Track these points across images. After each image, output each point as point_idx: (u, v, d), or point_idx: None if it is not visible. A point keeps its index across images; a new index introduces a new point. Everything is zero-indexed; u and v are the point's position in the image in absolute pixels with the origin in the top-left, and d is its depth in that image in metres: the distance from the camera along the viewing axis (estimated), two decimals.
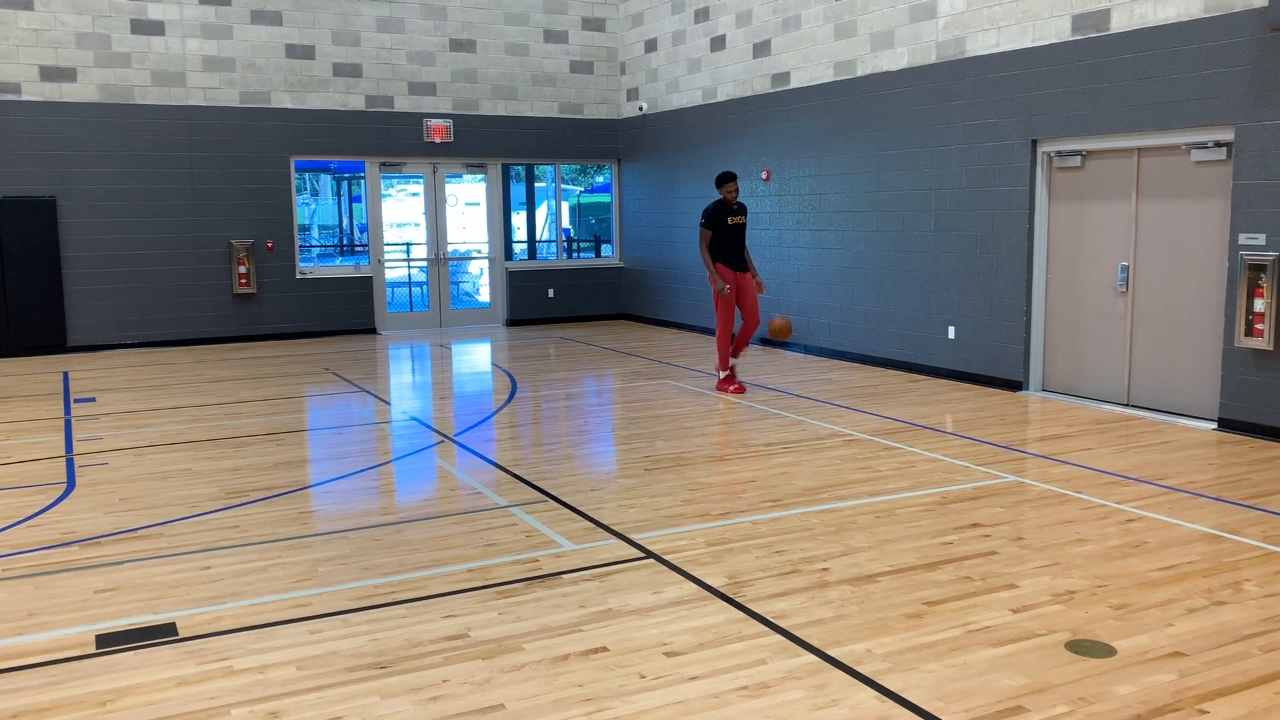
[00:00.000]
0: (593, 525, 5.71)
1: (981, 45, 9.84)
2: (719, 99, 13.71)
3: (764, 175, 12.89)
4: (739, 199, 10.18)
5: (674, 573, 4.93)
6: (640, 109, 15.52)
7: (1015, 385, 9.73)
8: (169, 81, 13.42)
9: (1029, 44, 9.36)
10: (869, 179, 11.31)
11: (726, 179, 9.60)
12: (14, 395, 10.19)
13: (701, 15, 13.97)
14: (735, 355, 9.98)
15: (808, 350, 12.38)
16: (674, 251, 15.05)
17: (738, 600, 4.56)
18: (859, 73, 11.32)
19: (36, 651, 4.14)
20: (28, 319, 12.81)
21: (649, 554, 5.21)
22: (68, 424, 8.74)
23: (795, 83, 12.30)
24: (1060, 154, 9.32)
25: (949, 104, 10.22)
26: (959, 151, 10.16)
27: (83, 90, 12.99)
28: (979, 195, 9.98)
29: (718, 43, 13.66)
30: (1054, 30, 9.13)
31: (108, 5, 13.03)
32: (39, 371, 11.67)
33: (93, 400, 9.84)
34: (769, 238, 12.93)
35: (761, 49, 12.83)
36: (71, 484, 6.76)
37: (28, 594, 4.78)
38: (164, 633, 4.29)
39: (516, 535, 5.57)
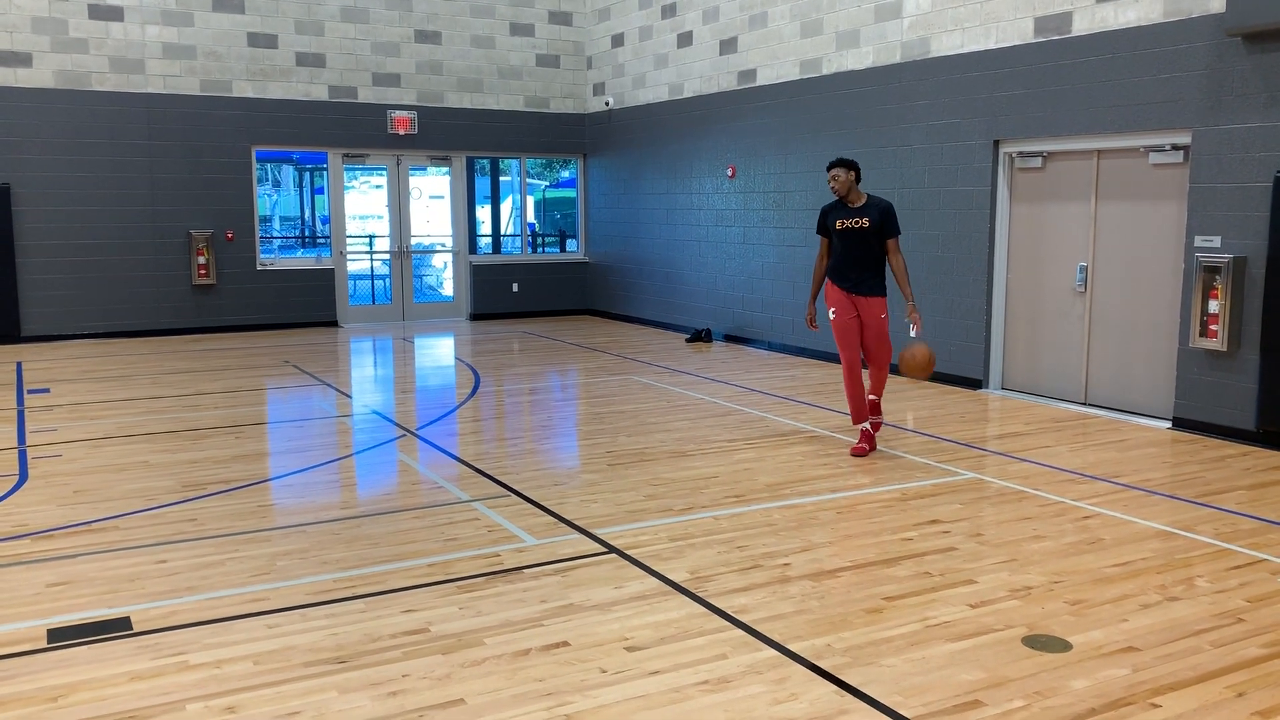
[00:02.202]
0: (555, 520, 5.70)
1: (945, 46, 9.92)
2: (685, 95, 13.72)
3: (730, 172, 12.92)
4: (869, 197, 7.17)
5: (636, 567, 4.93)
6: (607, 104, 15.49)
7: (975, 383, 9.83)
8: (128, 68, 13.19)
9: (992, 45, 9.45)
10: None
11: (830, 165, 7.22)
12: None
13: (669, 11, 13.96)
14: (872, 411, 7.29)
15: (771, 346, 12.43)
16: (639, 247, 15.04)
17: (699, 595, 4.56)
18: (824, 71, 11.38)
19: None
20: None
21: (611, 549, 5.20)
22: (20, 415, 8.57)
23: (761, 80, 12.33)
24: (1021, 155, 9.42)
25: (913, 104, 10.30)
26: (922, 151, 10.24)
27: (38, 75, 12.74)
28: (941, 195, 10.07)
29: (685, 39, 13.66)
30: (1017, 32, 9.22)
31: None
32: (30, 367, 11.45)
33: (47, 391, 9.67)
34: (734, 234, 12.96)
35: (728, 46, 12.85)
36: (24, 476, 6.63)
37: None
38: (118, 627, 4.22)
39: (478, 530, 5.54)
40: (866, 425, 7.28)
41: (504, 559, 5.06)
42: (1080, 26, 8.68)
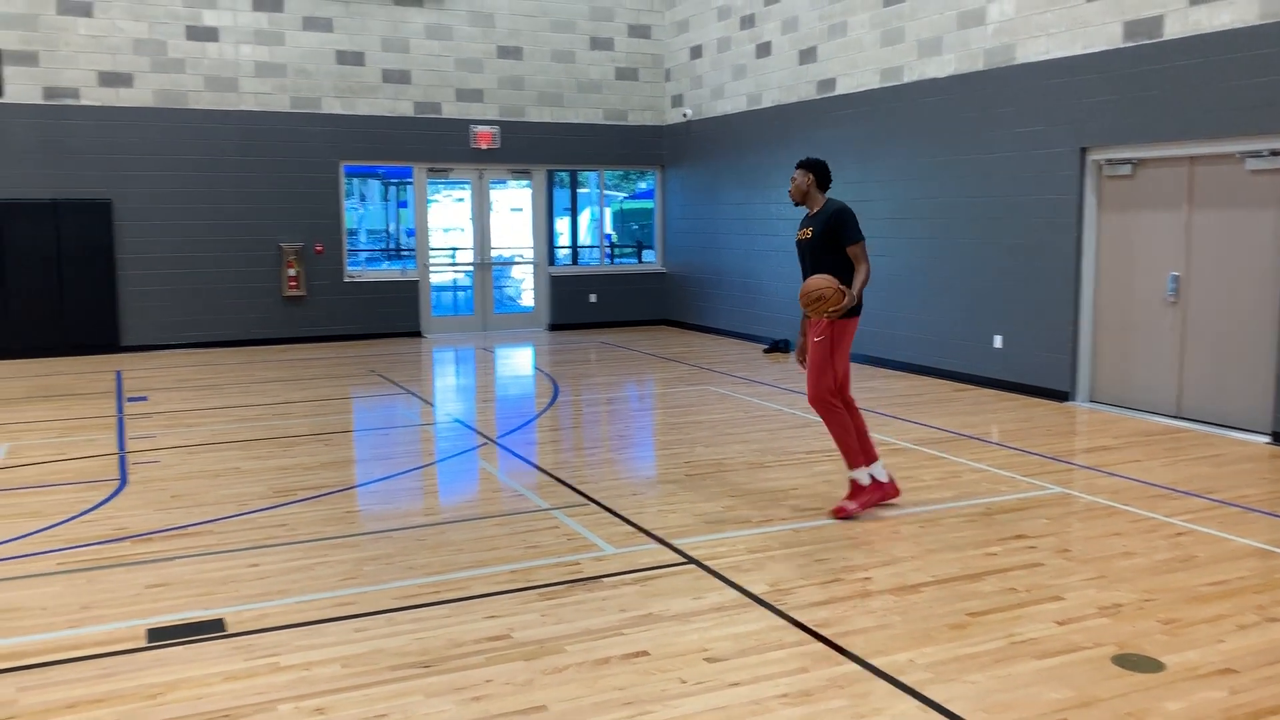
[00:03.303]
0: (634, 529, 5.73)
1: (1031, 52, 9.74)
2: (764, 105, 13.69)
3: None
4: (828, 203, 6.13)
5: (715, 579, 4.93)
6: (685, 115, 15.55)
7: (1062, 395, 9.61)
8: (222, 87, 13.65)
9: (1079, 51, 9.25)
10: (913, 186, 11.24)
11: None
12: (69, 393, 10.42)
13: (747, 22, 13.96)
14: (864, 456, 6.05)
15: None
16: (716, 257, 15.04)
17: (779, 608, 4.55)
18: (905, 79, 11.26)
19: (90, 644, 4.23)
20: (83, 319, 13.09)
21: (690, 559, 5.21)
22: (120, 422, 8.92)
23: (841, 89, 12.25)
24: (1110, 162, 9.20)
25: (996, 111, 10.13)
26: (1006, 159, 10.06)
27: (139, 95, 13.26)
28: (1026, 203, 9.88)
29: (763, 49, 13.65)
30: (1105, 37, 9.01)
31: (164, 12, 13.29)
32: (93, 370, 11.92)
33: (145, 399, 10.03)
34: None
35: (807, 55, 12.80)
36: (124, 481, 6.90)
37: (82, 588, 4.88)
38: (213, 628, 4.37)
39: (558, 538, 5.60)
40: (862, 473, 5.89)
41: (583, 567, 5.11)
42: (1172, 30, 8.45)
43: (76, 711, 3.66)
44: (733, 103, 14.41)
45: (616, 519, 5.94)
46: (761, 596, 4.68)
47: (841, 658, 4.02)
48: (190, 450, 7.79)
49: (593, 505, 6.23)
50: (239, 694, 3.76)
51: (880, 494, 6.02)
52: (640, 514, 6.02)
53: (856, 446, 5.93)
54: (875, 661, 3.98)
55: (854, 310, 5.92)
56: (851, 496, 5.94)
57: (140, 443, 8.06)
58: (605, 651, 4.09)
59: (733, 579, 4.91)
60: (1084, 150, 9.33)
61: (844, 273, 5.91)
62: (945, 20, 10.69)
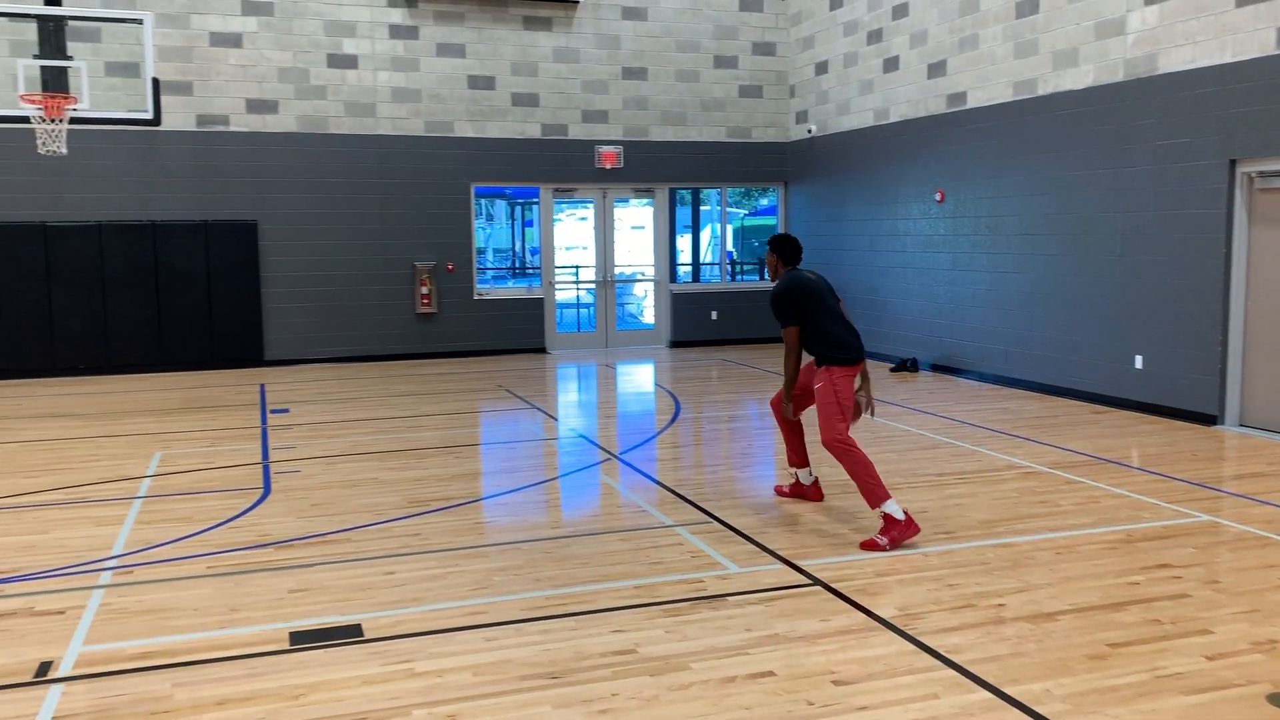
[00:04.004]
0: (757, 549, 5.70)
1: (1175, 61, 9.35)
2: (891, 120, 13.50)
3: (938, 197, 12.61)
4: (783, 275, 6.63)
5: (842, 601, 4.86)
6: (809, 131, 15.45)
7: (1209, 419, 9.14)
8: (360, 112, 14.23)
9: (1228, 59, 8.83)
10: (1049, 201, 10.90)
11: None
12: (217, 405, 10.97)
13: (874, 37, 13.81)
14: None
15: (983, 378, 11.98)
16: (841, 274, 14.84)
17: (908, 632, 4.46)
18: (1040, 92, 10.94)
19: (236, 645, 4.44)
20: (229, 334, 13.78)
21: (816, 581, 5.15)
22: (264, 433, 9.34)
23: (972, 103, 11.98)
24: (1262, 175, 8.74)
25: (1137, 123, 9.75)
26: (1148, 173, 9.67)
27: (283, 121, 13.92)
28: (1169, 218, 9.46)
29: (891, 64, 13.47)
30: (1256, 44, 8.59)
31: (307, 41, 13.94)
32: (239, 383, 12.52)
33: (286, 411, 10.48)
34: (942, 260, 12.61)
35: (937, 69, 12.58)
36: (267, 489, 7.22)
37: (229, 591, 5.13)
38: (351, 633, 4.53)
39: (681, 555, 5.61)
40: (894, 507, 5.78)
41: (708, 585, 5.11)
42: None
43: (225, 708, 3.84)
44: (859, 118, 14.26)
45: (740, 538, 5.92)
46: (890, 620, 4.60)
47: (974, 685, 3.91)
48: (329, 461, 8.10)
49: (715, 523, 6.23)
50: (375, 698, 3.89)
51: (911, 529, 5.75)
52: (764, 533, 5.99)
53: (878, 481, 5.82)
54: (1009, 690, 3.86)
55: (843, 360, 6.11)
56: (884, 531, 5.72)
57: (282, 453, 8.42)
58: (731, 670, 4.07)
59: (860, 602, 4.84)
60: (1233, 162, 8.90)
61: (811, 340, 6.23)
62: (1082, 31, 10.35)
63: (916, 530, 5.77)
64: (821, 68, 15.15)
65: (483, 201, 19.12)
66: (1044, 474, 7.40)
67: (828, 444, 5.98)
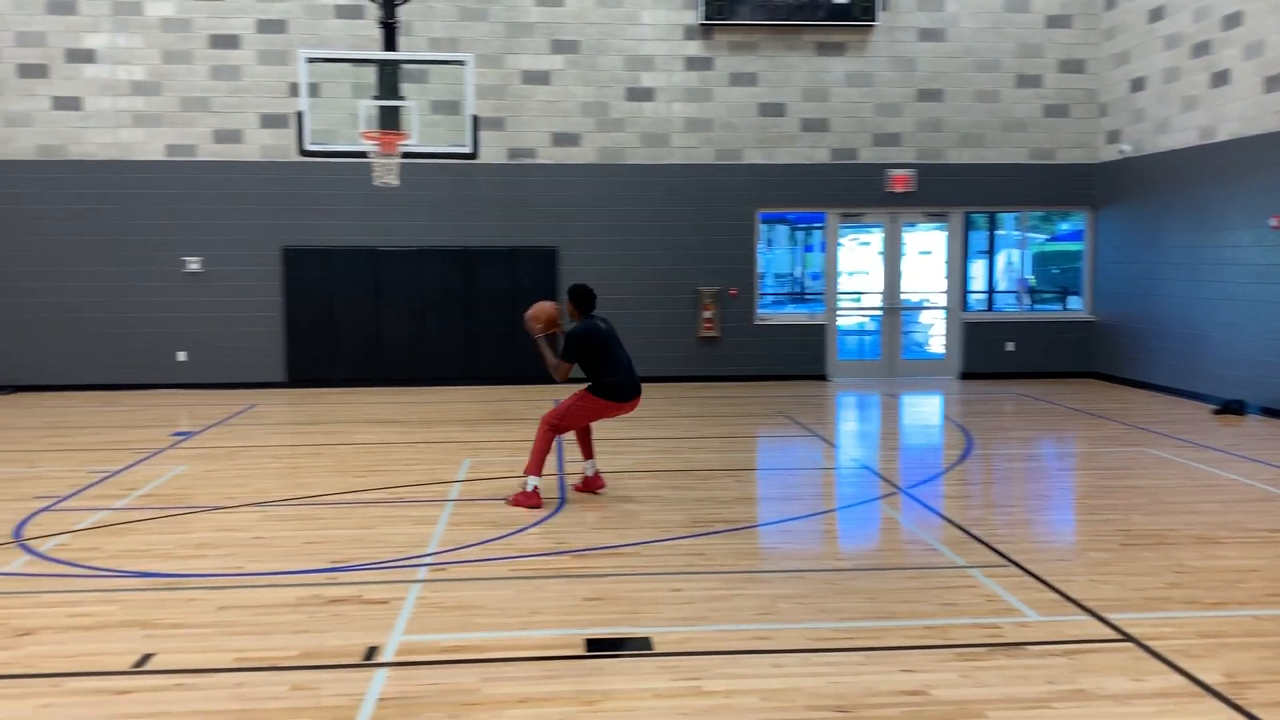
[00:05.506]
0: (1060, 598, 5.34)
1: None
2: (1219, 139, 12.33)
3: (1274, 223, 11.36)
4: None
5: (1157, 661, 4.47)
6: (1121, 152, 14.40)
7: None
8: (654, 143, 14.75)
9: None
10: None
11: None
12: (519, 418, 11.68)
13: (1200, 49, 12.69)
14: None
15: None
16: (1155, 305, 13.72)
17: (1237, 702, 4.03)
18: None
19: (536, 646, 4.70)
20: (531, 352, 14.60)
21: (1127, 637, 4.76)
22: (559, 445, 9.83)
23: None
24: None
25: None
26: None
27: (584, 153, 14.68)
28: None
29: (1219, 78, 12.32)
30: None
31: (609, 76, 14.65)
32: (538, 398, 13.25)
33: None
34: (1278, 294, 11.35)
35: (1275, 82, 11.37)
36: (563, 500, 7.61)
37: (530, 594, 5.44)
38: (641, 645, 4.67)
39: (976, 598, 5.36)
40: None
41: (1005, 632, 4.85)
42: None
43: (527, 706, 4.07)
44: (1179, 137, 13.13)
45: (1040, 584, 5.57)
46: (1215, 687, 4.17)
47: None
48: (618, 475, 8.41)
49: (1012, 567, 5.90)
50: (665, 712, 3.98)
51: (534, 501, 7.27)
52: (1068, 582, 5.60)
53: (540, 463, 7.38)
54: None
55: (605, 393, 7.57)
56: (516, 498, 7.38)
57: (577, 465, 8.83)
58: None
59: (1179, 664, 4.42)
60: None
61: (595, 373, 7.64)
62: None
63: (539, 505, 7.25)
64: (1137, 84, 14.10)
65: (763, 226, 19.21)
66: None
67: (544, 418, 7.57)
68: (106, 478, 8.38)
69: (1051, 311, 16.45)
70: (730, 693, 4.14)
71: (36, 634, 4.88)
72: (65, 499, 7.64)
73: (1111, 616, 5.03)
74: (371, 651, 4.65)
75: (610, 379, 7.58)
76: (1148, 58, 13.85)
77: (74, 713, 4.07)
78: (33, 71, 13.85)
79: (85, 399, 13.32)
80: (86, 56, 13.91)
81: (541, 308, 7.84)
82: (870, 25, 14.69)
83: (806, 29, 14.77)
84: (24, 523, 6.93)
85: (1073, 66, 15.05)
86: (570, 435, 8.16)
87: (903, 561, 6.09)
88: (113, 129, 14.01)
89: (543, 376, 14.51)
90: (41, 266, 13.97)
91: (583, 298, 7.83)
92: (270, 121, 14.19)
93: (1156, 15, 13.66)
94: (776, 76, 14.81)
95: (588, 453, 7.93)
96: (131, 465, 8.91)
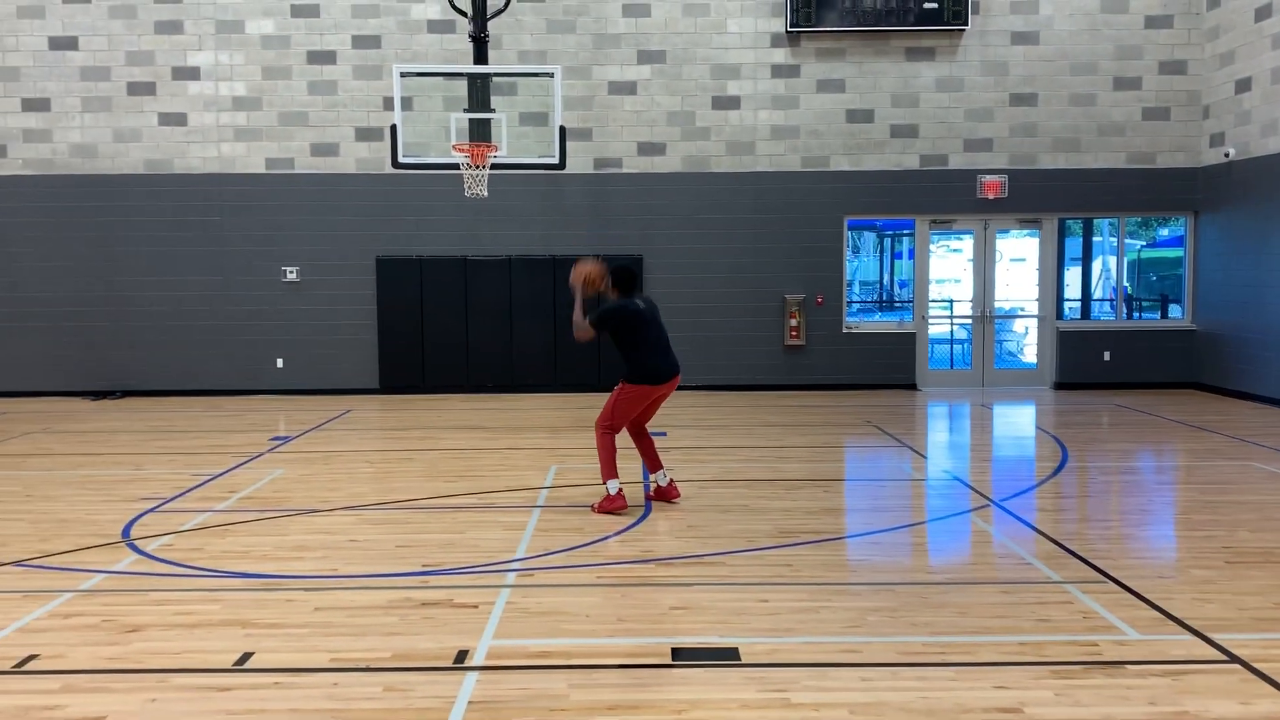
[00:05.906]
0: (1162, 616, 5.17)
1: None
2: None
3: None
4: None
5: (1268, 684, 4.29)
6: (1226, 155, 13.90)
7: None
8: (740, 151, 14.72)
9: None
10: None
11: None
12: None
13: None
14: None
15: None
16: (1263, 314, 13.19)
17: None
18: None
19: (623, 653, 4.73)
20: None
21: (1233, 658, 4.59)
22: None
23: None
24: None
25: None
26: None
27: (669, 162, 14.73)
28: None
29: None
30: None
31: (694, 85, 14.67)
32: None
33: (664, 435, 11.01)
34: None
35: None
36: (648, 508, 7.63)
37: (616, 601, 5.47)
38: (728, 655, 4.66)
39: (1071, 614, 5.22)
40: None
41: (1103, 650, 4.71)
42: None
43: (614, 714, 4.09)
44: None
45: (1140, 602, 5.40)
46: None
47: None
48: (702, 484, 8.41)
49: (1110, 583, 5.73)
50: None
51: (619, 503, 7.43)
52: (1169, 600, 5.42)
53: (611, 464, 7.50)
54: None
55: (639, 378, 7.68)
56: (601, 504, 7.48)
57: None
58: None
59: None
60: None
61: (626, 352, 7.80)
62: None
63: (624, 507, 7.39)
64: (1243, 85, 13.59)
65: (850, 234, 19.05)
66: None
67: (597, 423, 7.68)
68: (209, 480, 8.69)
69: (1151, 320, 15.95)
70: (818, 705, 4.10)
71: (144, 630, 5.08)
72: (170, 500, 7.94)
73: (1217, 637, 4.85)
74: (462, 655, 4.73)
75: (640, 359, 7.63)
76: (1254, 58, 13.35)
77: (179, 708, 4.23)
78: (141, 89, 14.46)
79: (189, 404, 13.82)
80: (191, 74, 14.46)
81: (584, 265, 7.83)
82: (961, 29, 14.46)
83: (895, 34, 14.59)
84: (132, 523, 7.23)
85: (1173, 68, 14.59)
86: (635, 451, 8.06)
87: (995, 576, 5.97)
88: (215, 143, 14.54)
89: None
90: (149, 277, 14.57)
91: (623, 278, 7.79)
92: (365, 135, 14.56)
93: (1263, 14, 13.16)
94: (864, 82, 14.66)
95: (654, 465, 7.88)
96: (232, 469, 9.22)
